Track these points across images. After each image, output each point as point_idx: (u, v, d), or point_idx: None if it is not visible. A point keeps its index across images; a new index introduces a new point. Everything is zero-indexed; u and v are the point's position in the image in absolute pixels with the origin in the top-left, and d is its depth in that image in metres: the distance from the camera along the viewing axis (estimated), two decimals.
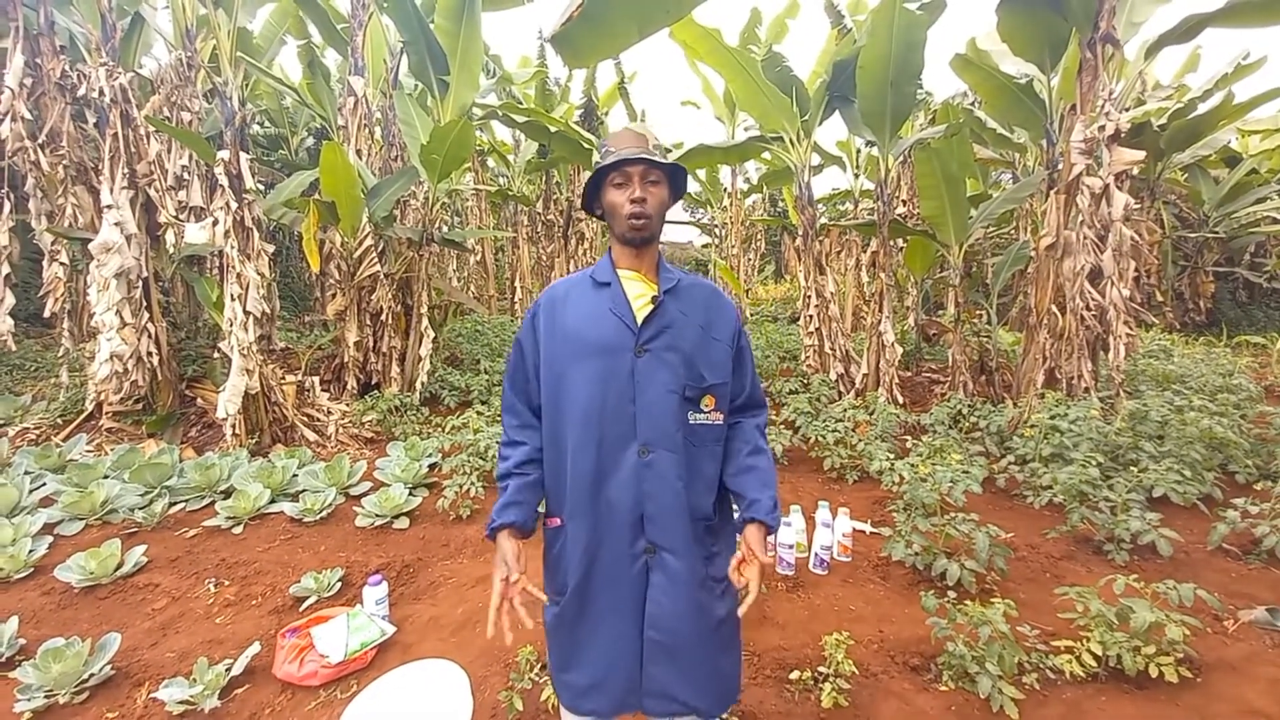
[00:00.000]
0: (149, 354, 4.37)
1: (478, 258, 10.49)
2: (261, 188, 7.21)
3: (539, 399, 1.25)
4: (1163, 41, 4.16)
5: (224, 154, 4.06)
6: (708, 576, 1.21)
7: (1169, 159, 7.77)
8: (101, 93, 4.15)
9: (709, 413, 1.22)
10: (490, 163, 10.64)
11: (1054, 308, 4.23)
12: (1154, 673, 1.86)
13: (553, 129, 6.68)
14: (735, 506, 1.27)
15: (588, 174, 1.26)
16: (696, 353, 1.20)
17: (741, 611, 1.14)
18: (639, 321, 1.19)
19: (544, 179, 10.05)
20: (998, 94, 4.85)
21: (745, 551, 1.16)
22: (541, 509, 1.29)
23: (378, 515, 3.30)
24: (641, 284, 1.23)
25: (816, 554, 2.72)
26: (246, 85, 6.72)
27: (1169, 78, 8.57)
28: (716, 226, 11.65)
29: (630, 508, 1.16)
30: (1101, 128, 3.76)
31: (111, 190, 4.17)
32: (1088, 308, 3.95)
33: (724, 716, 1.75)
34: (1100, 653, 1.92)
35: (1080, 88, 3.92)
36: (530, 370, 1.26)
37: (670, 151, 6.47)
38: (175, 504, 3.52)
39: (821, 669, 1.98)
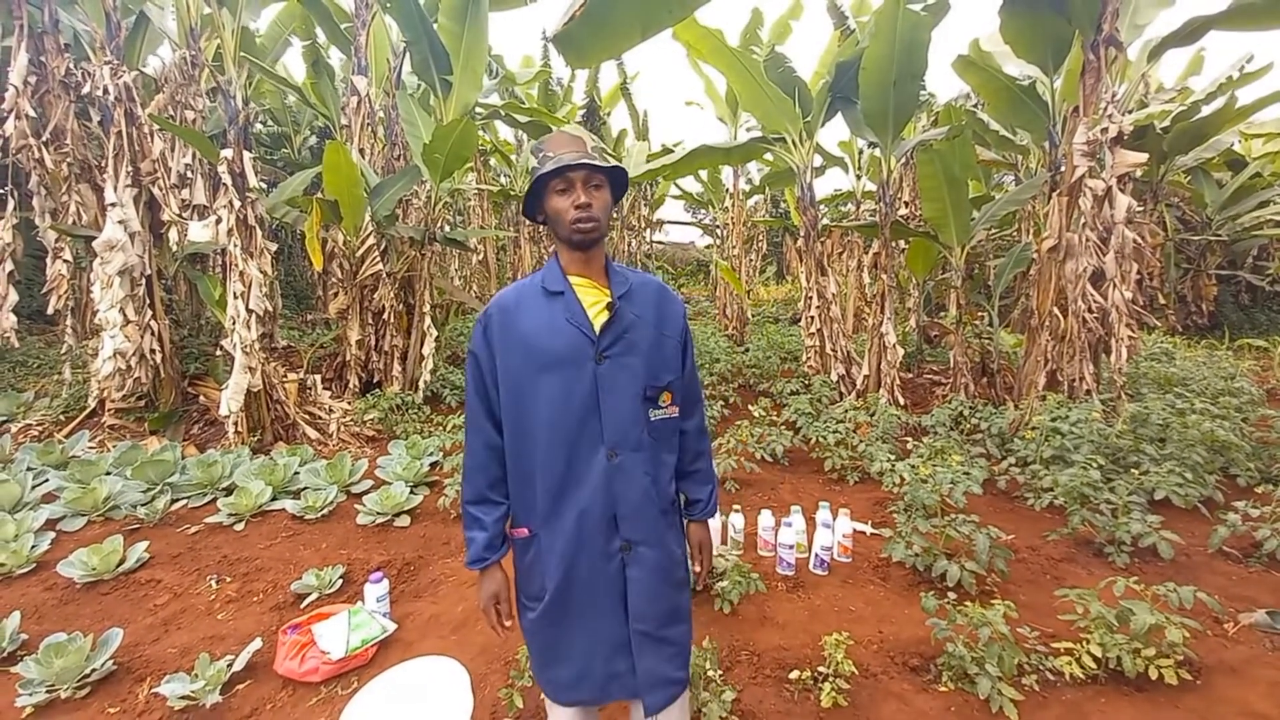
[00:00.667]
0: (152, 351, 4.38)
1: (480, 257, 10.48)
2: (264, 186, 7.22)
3: (499, 411, 1.24)
4: (1166, 44, 4.16)
5: (227, 152, 4.07)
6: (671, 557, 1.28)
7: (1172, 162, 7.75)
8: (106, 91, 4.17)
9: (666, 408, 1.25)
10: (492, 162, 10.64)
11: (1056, 310, 4.22)
12: (1154, 675, 1.86)
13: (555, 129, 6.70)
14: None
15: None
16: (652, 353, 1.22)
17: (699, 585, 1.42)
18: (597, 330, 1.18)
19: None
20: (1000, 96, 4.85)
21: (694, 550, 1.38)
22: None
23: (379, 513, 3.31)
24: (594, 291, 1.23)
25: (817, 554, 2.73)
26: (250, 84, 6.73)
27: (1172, 80, 8.56)
28: (718, 227, 11.66)
29: (603, 510, 1.18)
30: (1104, 130, 3.75)
31: (115, 188, 4.19)
32: (1090, 310, 3.94)
33: (723, 716, 1.76)
34: (1100, 654, 1.92)
35: (1083, 90, 3.91)
36: (489, 380, 1.24)
37: (670, 155, 6.47)
38: (177, 501, 3.53)
39: (821, 669, 1.99)
